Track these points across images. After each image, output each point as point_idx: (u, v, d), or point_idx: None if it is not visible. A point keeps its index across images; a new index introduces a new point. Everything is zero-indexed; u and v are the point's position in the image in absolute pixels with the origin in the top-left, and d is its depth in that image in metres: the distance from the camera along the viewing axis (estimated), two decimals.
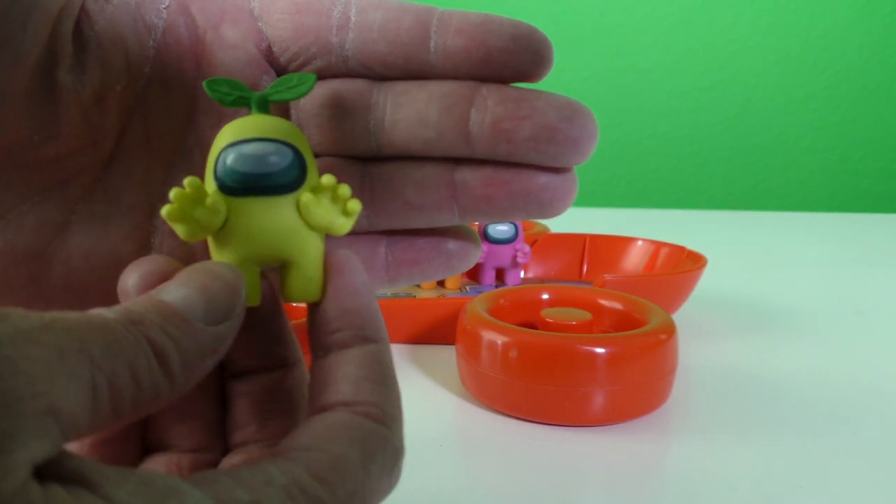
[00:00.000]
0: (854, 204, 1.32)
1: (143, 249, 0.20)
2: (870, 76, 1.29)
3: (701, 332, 0.46)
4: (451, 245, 0.21)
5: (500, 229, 0.50)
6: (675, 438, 0.32)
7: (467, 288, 0.51)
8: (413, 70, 0.19)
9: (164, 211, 0.15)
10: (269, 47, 0.20)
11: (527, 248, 0.50)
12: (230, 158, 0.16)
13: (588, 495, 0.28)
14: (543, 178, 0.19)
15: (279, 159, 0.16)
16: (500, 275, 0.52)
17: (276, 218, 0.16)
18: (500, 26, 0.18)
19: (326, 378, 0.16)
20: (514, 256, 0.50)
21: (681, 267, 0.49)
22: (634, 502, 0.27)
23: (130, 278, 0.16)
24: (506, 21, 0.18)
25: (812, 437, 0.32)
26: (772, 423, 0.33)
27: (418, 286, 0.50)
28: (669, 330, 0.34)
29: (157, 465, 0.17)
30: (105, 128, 0.19)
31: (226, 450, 0.17)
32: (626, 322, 0.37)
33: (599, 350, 0.31)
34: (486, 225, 0.50)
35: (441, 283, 0.51)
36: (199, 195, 0.15)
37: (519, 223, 0.50)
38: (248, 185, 0.16)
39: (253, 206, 0.16)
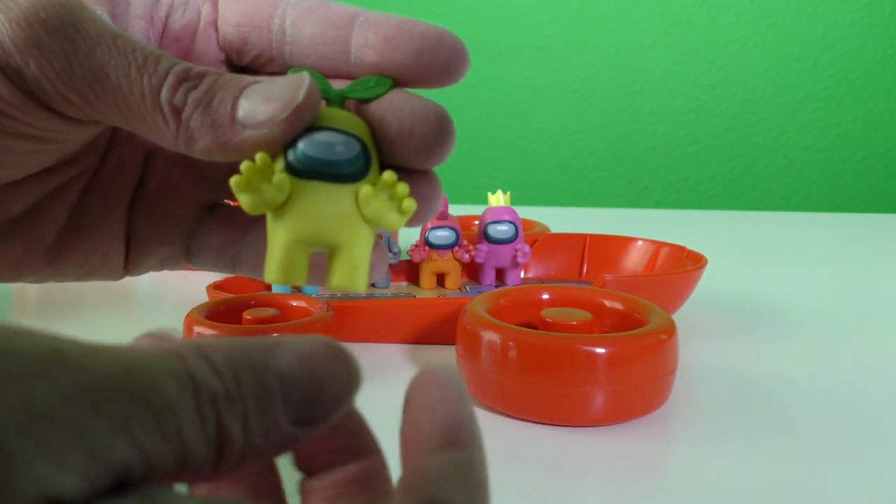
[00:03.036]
0: (854, 204, 1.32)
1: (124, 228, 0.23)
2: (870, 76, 1.29)
3: (701, 332, 0.46)
4: (425, 189, 0.21)
5: (500, 229, 0.50)
6: (675, 438, 0.32)
7: (467, 288, 0.51)
8: (342, 77, 0.20)
9: (233, 180, 0.16)
10: (228, 57, 0.22)
11: (527, 248, 0.50)
12: (303, 142, 0.17)
13: (588, 495, 0.28)
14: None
15: (346, 149, 0.17)
16: (500, 275, 0.52)
17: (334, 203, 0.17)
18: (408, 41, 0.19)
19: (414, 477, 0.14)
20: (514, 256, 0.50)
21: (681, 267, 0.49)
22: (634, 502, 0.27)
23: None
24: (416, 32, 0.19)
25: (812, 437, 0.32)
26: (772, 423, 0.33)
27: (418, 286, 0.50)
28: (669, 330, 0.33)
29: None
30: (103, 133, 0.22)
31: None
32: (626, 322, 0.37)
33: (599, 350, 0.31)
34: (486, 225, 0.50)
35: (441, 283, 0.51)
36: (268, 170, 0.16)
37: (519, 223, 0.50)
38: (314, 168, 0.17)
39: (315, 189, 0.17)
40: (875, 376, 0.39)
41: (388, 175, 0.17)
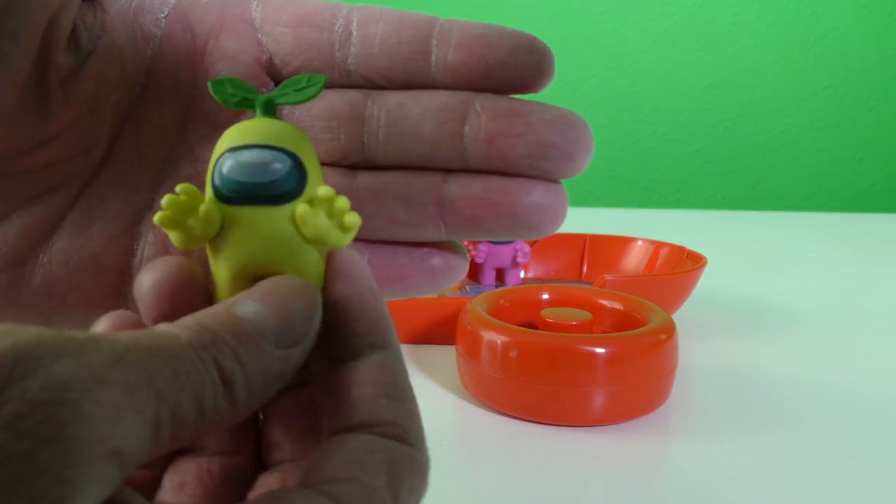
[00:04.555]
0: (854, 204, 1.32)
1: (126, 256, 0.20)
2: (870, 76, 1.29)
3: (701, 332, 0.46)
4: (436, 261, 0.20)
5: None
6: (675, 438, 0.32)
7: (467, 288, 0.51)
8: (416, 84, 0.19)
9: (157, 217, 0.15)
10: (271, 59, 0.20)
11: (527, 248, 0.50)
12: (226, 166, 0.15)
13: (588, 495, 0.28)
14: (532, 199, 0.18)
15: (276, 168, 0.15)
16: (500, 275, 0.52)
17: (271, 228, 0.15)
18: (499, 39, 0.18)
19: (340, 395, 0.15)
20: (514, 256, 0.50)
21: (681, 267, 0.49)
22: (634, 502, 0.27)
23: (145, 283, 0.15)
24: (506, 33, 0.18)
25: (812, 436, 0.32)
26: (772, 422, 0.33)
27: None
28: (669, 330, 0.34)
29: (186, 468, 0.16)
30: (98, 136, 0.19)
31: (257, 454, 0.17)
32: (626, 322, 0.37)
33: (599, 350, 0.31)
34: None
35: None
36: (194, 202, 0.15)
37: None
38: (243, 193, 0.15)
39: (248, 214, 0.15)
40: (875, 376, 0.39)
41: (325, 190, 0.15)
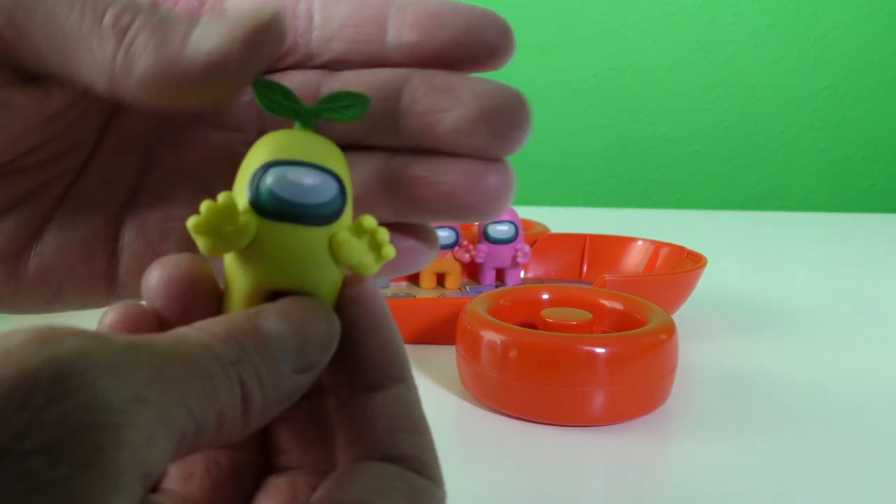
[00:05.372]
0: (854, 204, 1.32)
1: (112, 242, 0.20)
2: (870, 76, 1.29)
3: (701, 332, 0.46)
4: (405, 243, 0.19)
5: (500, 229, 0.50)
6: (675, 438, 0.32)
7: (467, 288, 0.51)
8: (374, 65, 0.18)
9: (192, 223, 0.14)
10: None
11: (527, 248, 0.50)
12: (271, 180, 0.15)
13: (588, 495, 0.28)
14: (470, 180, 0.17)
15: (323, 191, 0.15)
16: (500, 275, 0.52)
17: (305, 247, 0.15)
18: (452, 17, 0.17)
19: (361, 427, 0.15)
20: (514, 256, 0.50)
21: (681, 267, 0.49)
22: (634, 502, 0.27)
23: (152, 279, 0.15)
24: (461, 10, 0.17)
25: (812, 436, 0.32)
26: (772, 422, 0.33)
27: (418, 286, 0.50)
28: (669, 330, 0.34)
29: (195, 458, 0.16)
30: (86, 131, 0.19)
31: (263, 451, 0.17)
32: (626, 322, 0.37)
33: (599, 350, 0.31)
34: (486, 225, 0.50)
35: (441, 283, 0.51)
36: (231, 212, 0.14)
37: (519, 223, 0.50)
38: (285, 211, 0.15)
39: (284, 231, 0.15)
40: (874, 376, 0.39)
41: (369, 221, 0.15)
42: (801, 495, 0.27)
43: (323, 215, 0.15)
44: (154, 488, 0.16)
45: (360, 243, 0.15)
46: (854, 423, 0.33)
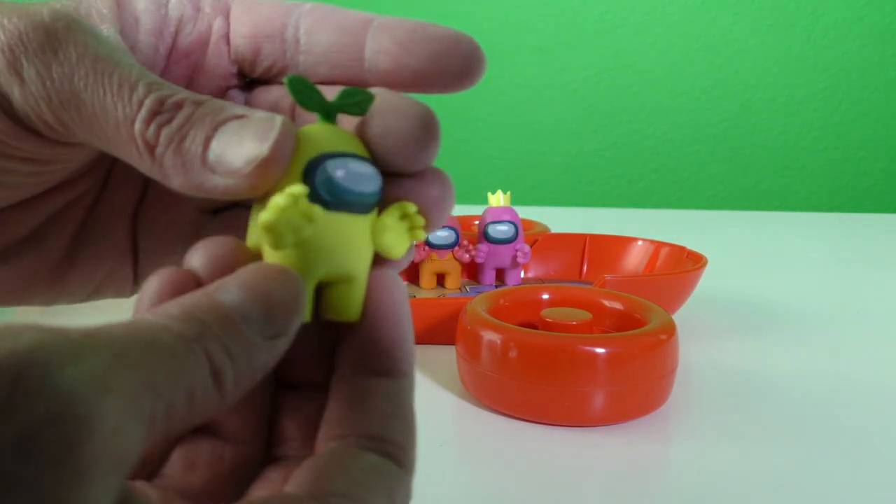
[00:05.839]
0: (854, 204, 1.32)
1: (132, 242, 0.22)
2: (870, 76, 1.29)
3: (701, 332, 0.46)
4: None
5: (501, 229, 0.50)
6: (675, 438, 0.32)
7: (467, 288, 0.51)
8: (358, 85, 0.19)
9: (266, 221, 0.14)
10: (241, 69, 0.21)
11: (527, 248, 0.50)
12: (339, 173, 0.16)
13: (588, 495, 0.28)
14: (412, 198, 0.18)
15: (374, 180, 0.16)
16: (500, 275, 0.52)
17: (354, 235, 0.16)
18: (419, 46, 0.18)
19: (358, 404, 0.16)
20: (514, 256, 0.50)
21: (681, 267, 0.49)
22: (634, 502, 0.27)
23: (197, 259, 0.15)
24: (429, 36, 0.18)
25: (812, 436, 0.32)
26: (772, 423, 0.33)
27: (418, 286, 0.50)
28: (669, 330, 0.34)
29: (200, 449, 0.16)
30: (96, 174, 0.22)
31: (267, 449, 0.17)
32: (626, 322, 0.37)
33: (599, 350, 0.31)
34: (487, 225, 0.50)
35: (441, 283, 0.51)
36: (302, 204, 0.15)
37: (519, 223, 0.50)
38: (345, 200, 0.16)
39: (338, 221, 0.16)
40: (875, 376, 0.39)
41: (410, 205, 0.17)
42: (801, 494, 0.27)
43: (372, 203, 0.16)
44: (153, 473, 0.16)
45: (401, 227, 0.17)
46: (854, 423, 0.33)
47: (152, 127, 0.16)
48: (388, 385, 0.16)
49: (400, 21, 0.19)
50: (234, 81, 0.21)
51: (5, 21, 0.17)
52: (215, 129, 0.16)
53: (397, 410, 0.16)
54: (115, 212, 0.22)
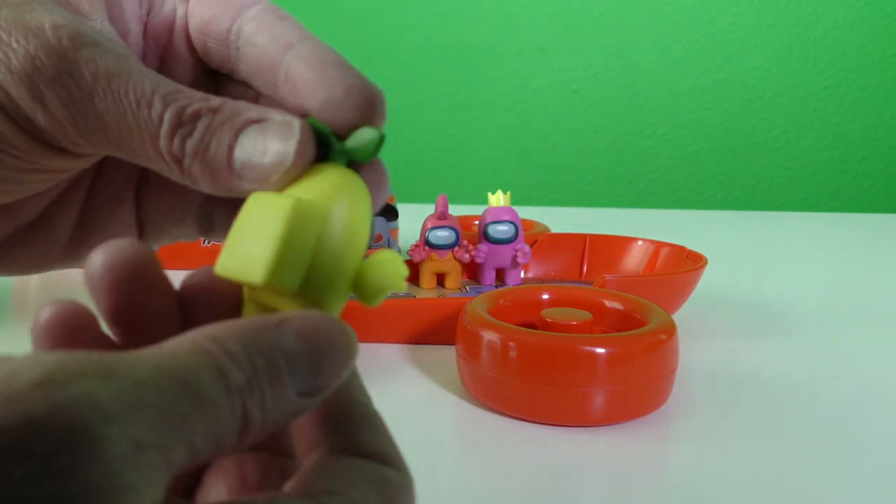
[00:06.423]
0: (854, 204, 1.32)
1: (135, 212, 0.23)
2: (870, 76, 1.29)
3: (701, 332, 0.46)
4: None
5: (500, 229, 0.50)
6: (675, 438, 0.32)
7: (467, 288, 0.51)
8: (280, 107, 0.20)
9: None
10: (199, 62, 0.22)
11: (527, 248, 0.50)
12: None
13: (588, 495, 0.28)
14: None
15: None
16: (500, 275, 0.52)
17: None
18: (318, 89, 0.18)
19: (326, 423, 0.16)
20: (514, 256, 0.50)
21: (681, 267, 0.49)
22: (634, 502, 0.27)
23: (97, 263, 0.15)
24: (328, 81, 0.18)
25: (812, 436, 0.32)
26: (772, 423, 0.33)
27: (418, 286, 0.50)
28: (669, 330, 0.34)
29: (252, 466, 0.17)
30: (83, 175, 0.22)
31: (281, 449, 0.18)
32: (626, 322, 0.37)
33: (599, 350, 0.31)
34: (487, 225, 0.50)
35: (441, 283, 0.51)
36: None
37: (519, 223, 0.50)
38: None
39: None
40: (875, 376, 0.39)
41: (393, 253, 0.18)
42: (801, 495, 0.27)
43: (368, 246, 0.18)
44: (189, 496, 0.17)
45: (387, 268, 0.18)
46: (854, 423, 0.33)
47: (176, 141, 0.17)
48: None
49: (313, 53, 0.19)
50: (202, 69, 0.22)
51: (14, 44, 0.17)
52: (236, 135, 0.17)
53: (360, 418, 0.16)
54: (117, 190, 0.22)
